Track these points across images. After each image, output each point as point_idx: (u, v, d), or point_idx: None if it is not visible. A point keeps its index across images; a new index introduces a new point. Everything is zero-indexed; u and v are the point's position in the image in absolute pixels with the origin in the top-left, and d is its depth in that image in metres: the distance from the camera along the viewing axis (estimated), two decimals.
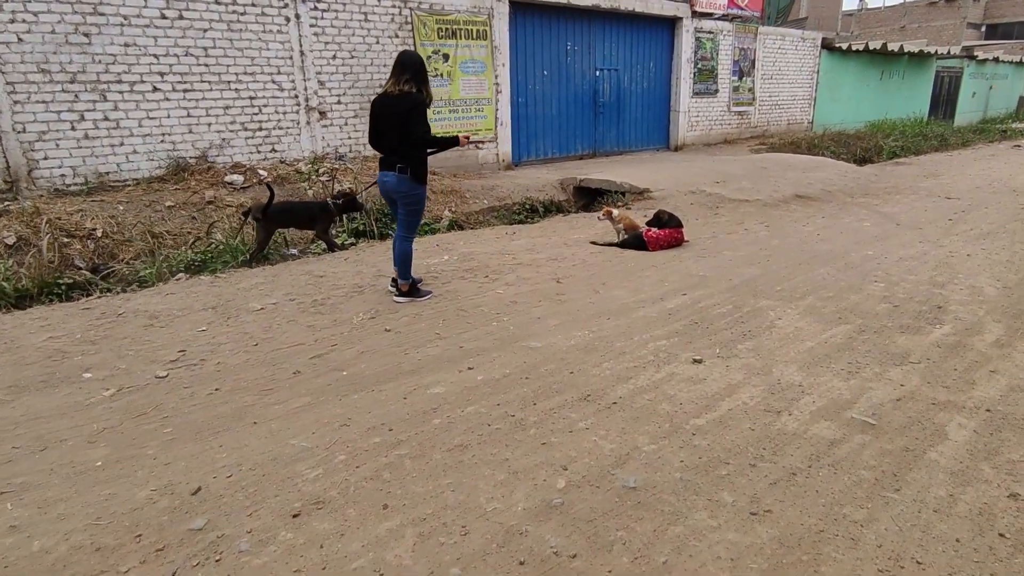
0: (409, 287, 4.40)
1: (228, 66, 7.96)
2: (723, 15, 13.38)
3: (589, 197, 9.28)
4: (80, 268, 5.99)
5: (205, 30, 7.73)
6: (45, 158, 7.02)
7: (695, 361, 3.36)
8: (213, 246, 5.92)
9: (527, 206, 8.76)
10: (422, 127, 3.92)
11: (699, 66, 13.24)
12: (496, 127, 10.81)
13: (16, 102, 6.75)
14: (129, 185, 7.36)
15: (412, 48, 9.40)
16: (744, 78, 14.24)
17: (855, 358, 3.40)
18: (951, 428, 2.69)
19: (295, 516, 2.19)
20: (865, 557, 1.95)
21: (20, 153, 6.89)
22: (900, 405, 2.89)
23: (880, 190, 8.85)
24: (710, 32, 13.30)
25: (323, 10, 8.61)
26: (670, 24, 12.90)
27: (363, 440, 2.65)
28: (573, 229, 6.72)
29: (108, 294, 4.85)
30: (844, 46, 15.65)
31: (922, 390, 3.03)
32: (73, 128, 7.11)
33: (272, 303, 4.24)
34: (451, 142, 4.17)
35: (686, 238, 5.97)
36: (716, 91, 13.72)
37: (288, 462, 2.51)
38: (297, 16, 8.39)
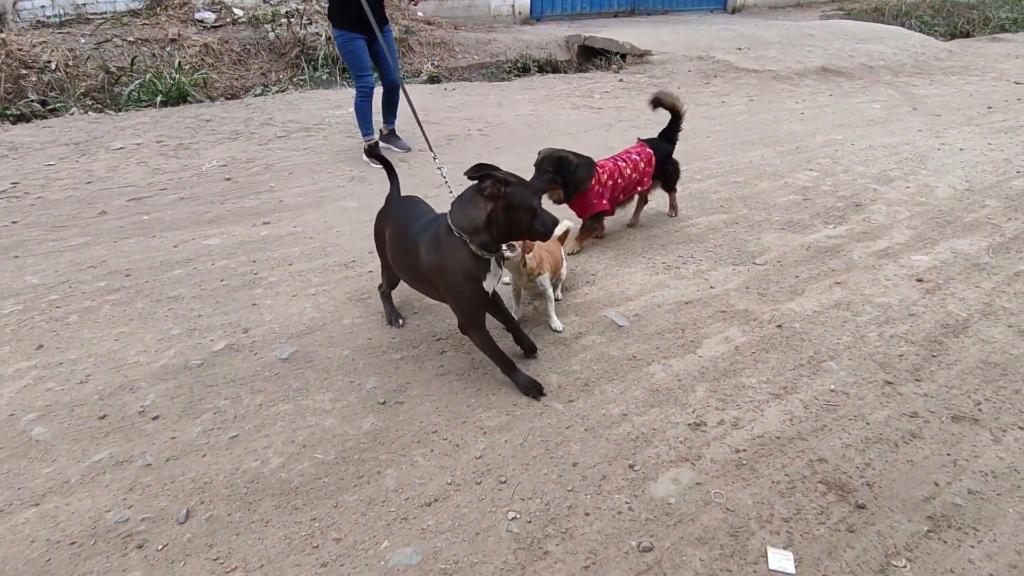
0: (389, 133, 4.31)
1: None
2: None
3: (593, 57, 8.32)
4: (32, 100, 6.11)
5: None
6: None
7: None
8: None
9: (519, 64, 7.99)
10: None
11: None
12: None
13: None
14: (106, 17, 7.23)
15: None
16: None
17: (694, 252, 2.91)
18: (710, 344, 2.26)
19: None
20: None
21: None
22: (682, 309, 2.45)
23: (940, 69, 7.33)
24: None
25: None
26: None
27: (91, 283, 2.57)
28: (525, 90, 6.04)
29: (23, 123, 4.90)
30: None
31: (726, 295, 2.54)
32: None
33: (136, 143, 4.12)
34: None
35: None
36: None
37: (4, 296, 2.49)
38: None
